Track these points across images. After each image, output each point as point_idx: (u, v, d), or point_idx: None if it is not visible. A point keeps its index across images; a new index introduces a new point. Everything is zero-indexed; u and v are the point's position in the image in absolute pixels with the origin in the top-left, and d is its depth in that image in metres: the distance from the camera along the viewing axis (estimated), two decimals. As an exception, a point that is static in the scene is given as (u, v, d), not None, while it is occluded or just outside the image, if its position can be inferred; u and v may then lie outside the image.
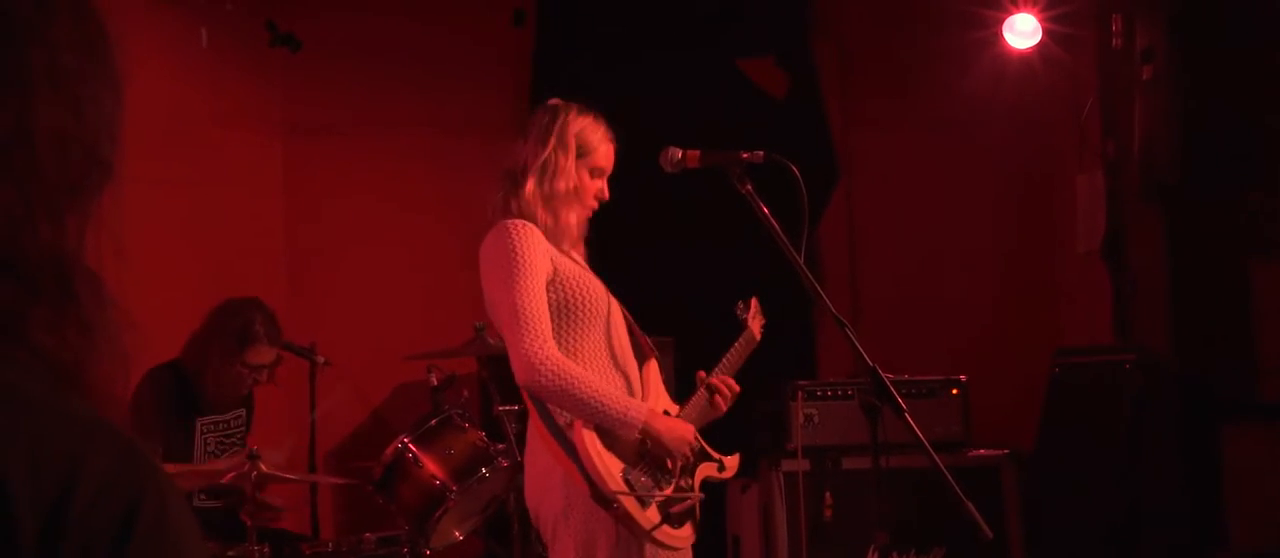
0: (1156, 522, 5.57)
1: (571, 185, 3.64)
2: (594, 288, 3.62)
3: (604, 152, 3.73)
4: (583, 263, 3.75)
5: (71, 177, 1.11)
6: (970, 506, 3.28)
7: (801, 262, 3.51)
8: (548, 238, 3.61)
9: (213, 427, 5.36)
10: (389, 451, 4.87)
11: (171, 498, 1.04)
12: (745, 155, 3.56)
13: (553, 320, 3.52)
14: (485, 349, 5.30)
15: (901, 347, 6.33)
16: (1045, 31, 6.35)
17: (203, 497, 5.28)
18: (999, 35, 6.41)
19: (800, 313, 3.89)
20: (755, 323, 4.07)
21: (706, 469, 3.74)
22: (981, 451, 5.70)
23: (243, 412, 5.49)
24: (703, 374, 3.80)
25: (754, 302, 4.15)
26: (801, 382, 5.56)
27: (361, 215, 6.96)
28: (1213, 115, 5.53)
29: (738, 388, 3.80)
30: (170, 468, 5.07)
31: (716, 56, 7.01)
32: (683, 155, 3.67)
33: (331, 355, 6.08)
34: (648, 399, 3.66)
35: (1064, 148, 6.93)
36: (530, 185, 3.62)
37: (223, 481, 4.80)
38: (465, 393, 5.26)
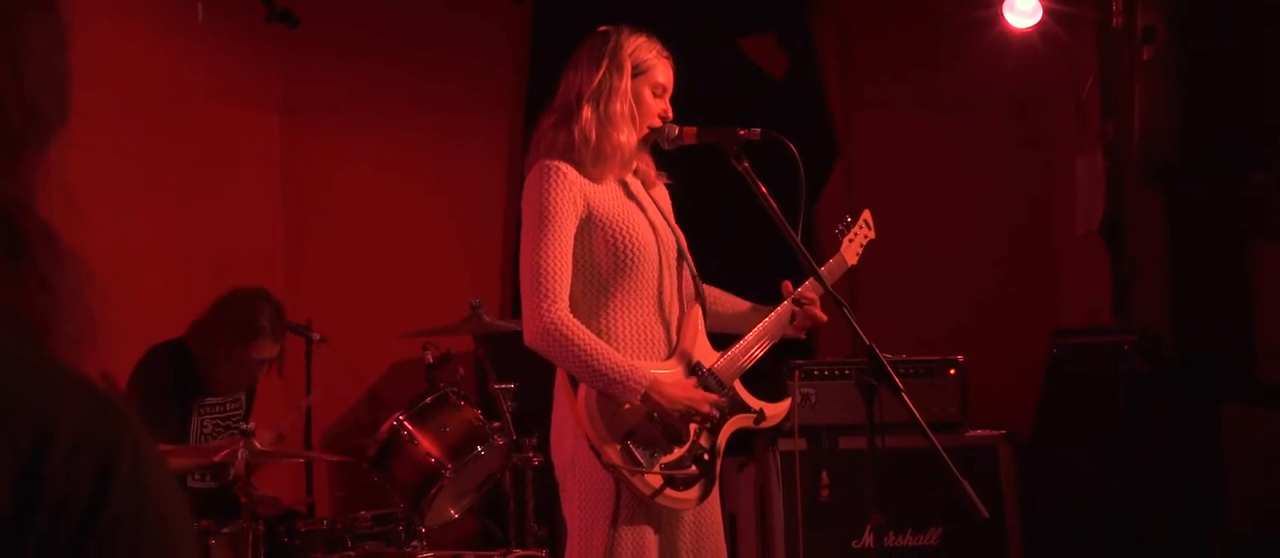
0: (1154, 504, 5.56)
1: (628, 107, 3.57)
2: (635, 228, 3.56)
3: (662, 69, 3.65)
4: (636, 190, 3.69)
5: (11, 132, 1.08)
6: (967, 486, 3.27)
7: (799, 240, 3.49)
8: (598, 165, 3.54)
9: (210, 409, 5.35)
10: (384, 428, 4.86)
11: (148, 454, 1.02)
12: (742, 132, 3.54)
13: (588, 268, 3.51)
14: (481, 327, 5.29)
15: (899, 327, 6.31)
16: (1045, 11, 6.31)
17: (199, 477, 5.27)
18: (999, 15, 6.38)
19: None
20: (851, 247, 3.96)
21: (738, 422, 3.67)
22: (979, 431, 5.69)
23: (242, 397, 5.48)
24: (789, 285, 3.72)
25: (866, 214, 4.05)
26: (798, 361, 5.54)
27: (358, 192, 6.94)
28: (1213, 96, 5.50)
29: (823, 317, 3.72)
30: (162, 448, 5.07)
31: (716, 35, 6.98)
32: (680, 132, 3.64)
33: (328, 333, 6.07)
34: (680, 346, 3.63)
35: (1064, 128, 6.91)
36: (587, 112, 3.54)
37: (216, 459, 4.79)
38: (461, 371, 5.26)
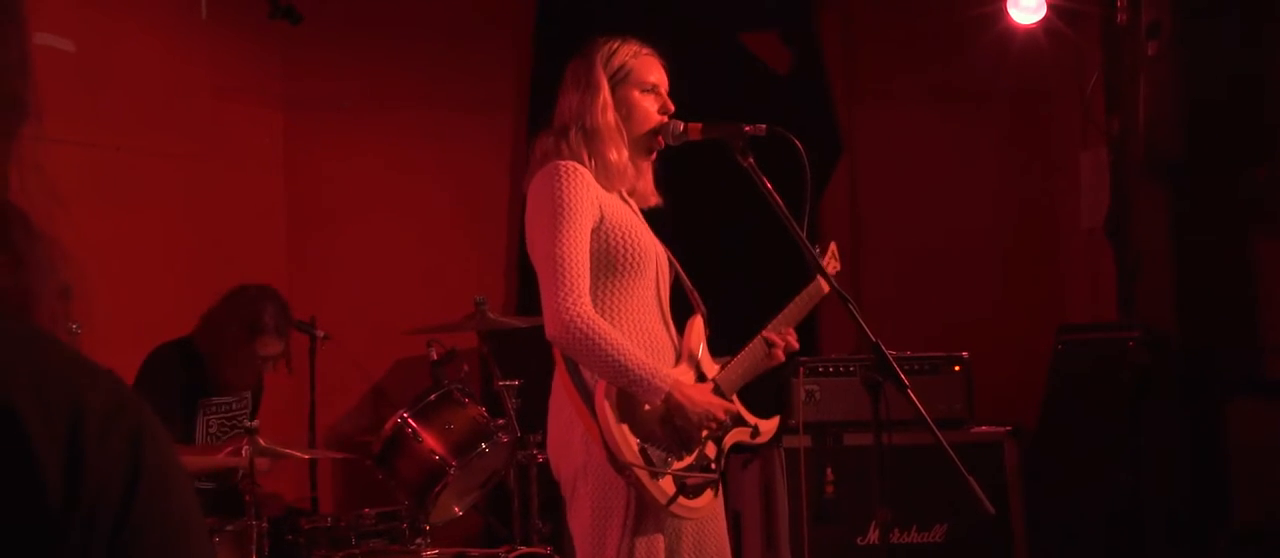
0: (1158, 499, 5.56)
1: (610, 118, 3.54)
2: (641, 237, 3.53)
3: (645, 64, 3.62)
4: (633, 205, 3.67)
5: None
6: (972, 482, 3.26)
7: (804, 236, 3.48)
8: (601, 180, 3.52)
9: (216, 408, 5.35)
10: (388, 425, 4.86)
11: (156, 421, 1.04)
12: (748, 128, 3.52)
13: (598, 270, 3.47)
14: (486, 324, 5.29)
15: (904, 323, 6.32)
16: (1050, 6, 6.30)
17: (201, 479, 5.27)
18: (1004, 10, 6.36)
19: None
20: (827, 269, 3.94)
21: (737, 435, 3.65)
22: (984, 427, 5.69)
23: (248, 396, 5.48)
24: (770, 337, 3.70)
25: (832, 246, 4.03)
26: (803, 358, 5.53)
27: (362, 189, 6.94)
28: (1217, 92, 5.49)
29: (796, 345, 3.69)
30: (186, 460, 5.07)
31: (720, 30, 6.97)
32: (684, 128, 3.61)
33: (331, 330, 6.07)
34: (684, 356, 3.61)
35: (1068, 124, 6.90)
36: (573, 137, 3.53)
37: (220, 463, 4.80)
38: (465, 368, 5.25)
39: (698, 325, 3.68)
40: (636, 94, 3.60)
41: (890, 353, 3.40)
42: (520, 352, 4.90)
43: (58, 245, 1.10)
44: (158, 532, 1.00)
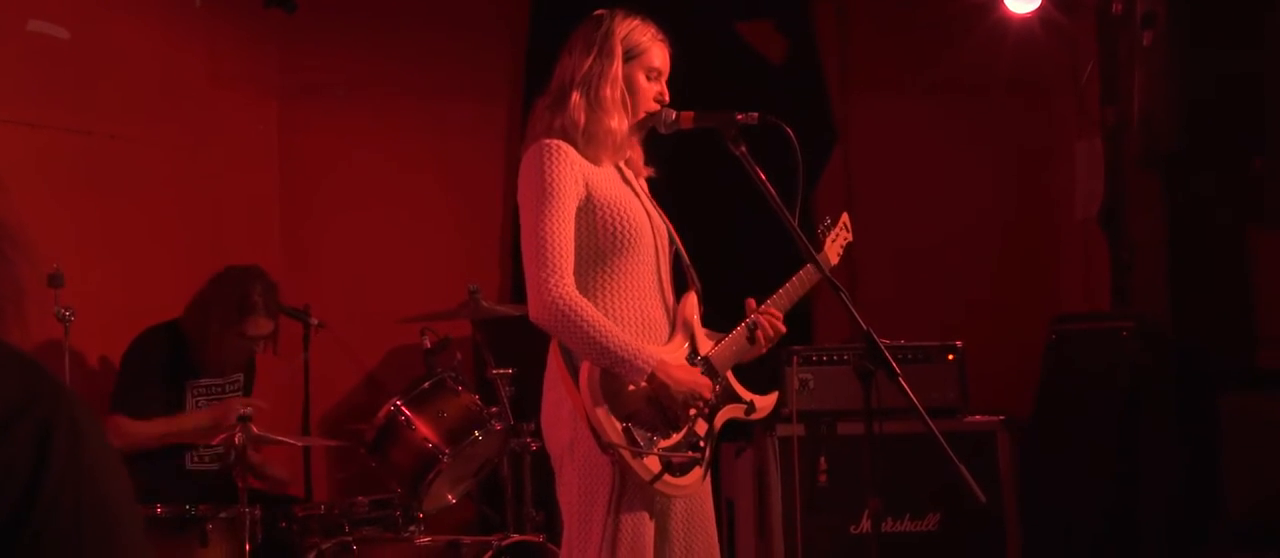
0: (1152, 490, 5.56)
1: (618, 92, 3.55)
2: (632, 211, 3.54)
3: (657, 52, 3.63)
4: (630, 177, 3.68)
5: None
6: (965, 471, 3.26)
7: (796, 225, 3.48)
8: (590, 147, 3.53)
9: (206, 390, 5.35)
10: (381, 413, 4.86)
11: (86, 421, 1.02)
12: (740, 117, 3.52)
13: (589, 250, 3.48)
14: (479, 312, 5.29)
15: (898, 312, 6.31)
16: (1045, -4, 6.30)
17: (197, 460, 5.27)
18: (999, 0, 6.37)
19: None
20: (833, 246, 3.93)
21: (730, 412, 3.65)
22: (977, 417, 5.68)
23: (241, 376, 5.48)
24: (752, 302, 3.68)
25: (845, 217, 4.04)
26: (797, 347, 5.53)
27: (356, 178, 6.92)
28: (1213, 82, 5.49)
29: (783, 329, 3.67)
30: (154, 425, 5.08)
31: (715, 18, 6.96)
32: (677, 116, 3.62)
33: (325, 318, 6.06)
34: (677, 333, 3.61)
35: (1063, 114, 6.89)
36: (576, 97, 3.53)
37: (214, 441, 4.80)
38: (459, 356, 5.25)
39: (692, 301, 3.68)
40: (642, 77, 3.61)
41: (883, 342, 3.40)
42: (514, 340, 4.89)
43: (11, 236, 1.07)
44: (68, 525, 0.98)
